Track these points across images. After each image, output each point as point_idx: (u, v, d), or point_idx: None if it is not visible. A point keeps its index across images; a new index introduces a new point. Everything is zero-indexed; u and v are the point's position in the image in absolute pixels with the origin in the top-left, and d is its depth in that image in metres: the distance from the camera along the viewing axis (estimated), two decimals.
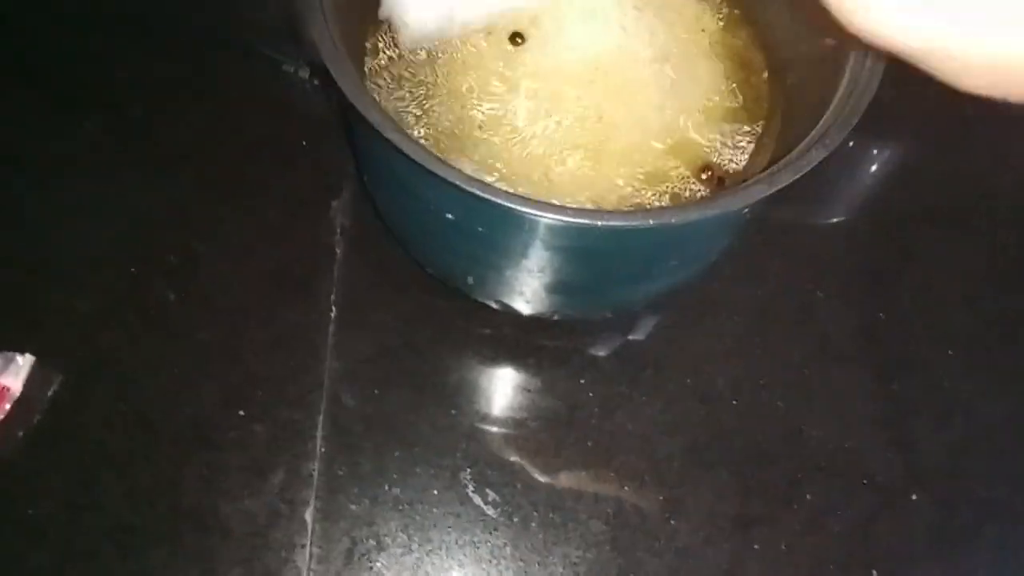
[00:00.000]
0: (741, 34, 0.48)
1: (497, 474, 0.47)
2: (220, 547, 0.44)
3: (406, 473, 0.47)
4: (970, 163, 0.61)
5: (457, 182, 0.33)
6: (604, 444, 0.49)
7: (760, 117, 0.47)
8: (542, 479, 0.47)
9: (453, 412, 0.49)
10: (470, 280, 0.45)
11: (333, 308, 0.51)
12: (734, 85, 0.47)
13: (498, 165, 0.44)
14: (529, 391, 0.50)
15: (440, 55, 0.46)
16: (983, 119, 0.60)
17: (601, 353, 0.51)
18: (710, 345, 0.52)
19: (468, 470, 0.47)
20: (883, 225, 0.58)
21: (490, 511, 0.46)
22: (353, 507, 0.46)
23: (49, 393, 0.47)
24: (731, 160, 0.45)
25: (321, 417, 0.48)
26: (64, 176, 0.54)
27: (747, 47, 0.48)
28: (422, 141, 0.44)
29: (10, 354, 0.46)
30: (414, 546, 0.45)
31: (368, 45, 0.47)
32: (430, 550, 0.45)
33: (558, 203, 0.35)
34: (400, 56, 0.47)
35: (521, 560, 0.45)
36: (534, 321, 0.50)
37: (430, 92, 0.46)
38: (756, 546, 0.47)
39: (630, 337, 0.52)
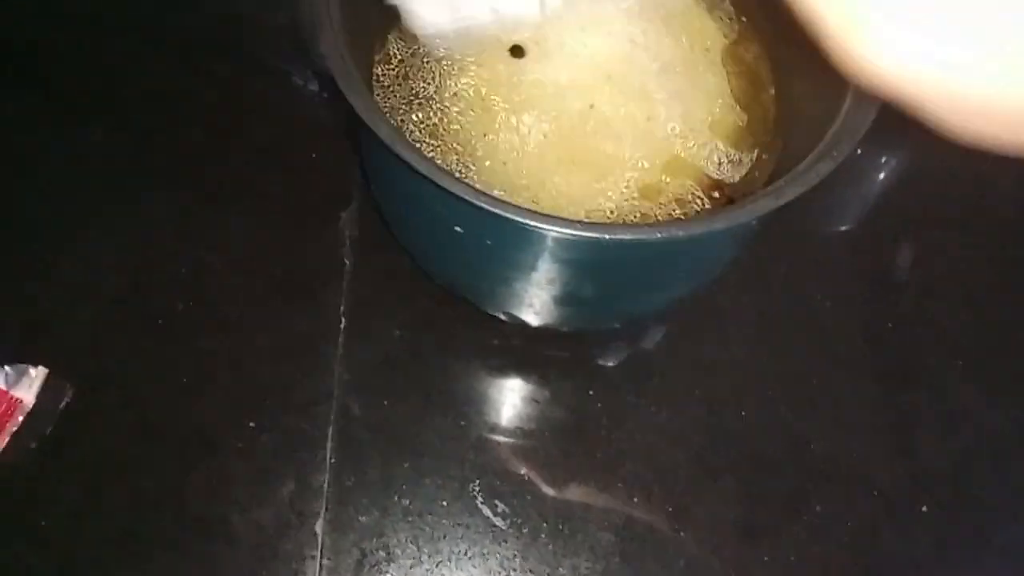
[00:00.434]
0: (749, 47, 0.49)
1: (506, 485, 0.47)
2: (228, 558, 0.45)
3: (415, 484, 0.47)
4: (977, 172, 0.61)
5: (466, 196, 0.33)
6: (612, 454, 0.49)
7: (765, 130, 0.47)
8: (551, 490, 0.47)
9: (462, 423, 0.49)
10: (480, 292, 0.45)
11: (342, 318, 0.51)
12: (740, 98, 0.47)
13: (498, 176, 0.44)
14: (537, 401, 0.50)
15: (444, 66, 0.46)
16: None
17: (609, 363, 0.51)
18: (717, 355, 0.53)
19: (477, 481, 0.47)
20: (890, 233, 0.58)
21: (499, 522, 0.46)
22: (362, 518, 0.46)
23: (61, 405, 0.47)
24: (735, 173, 0.46)
25: (330, 427, 0.48)
26: (73, 186, 0.55)
27: (754, 60, 0.48)
28: (428, 153, 0.44)
29: (23, 366, 0.47)
30: (423, 557, 0.45)
31: (377, 56, 0.47)
32: (439, 561, 0.45)
33: (566, 216, 0.35)
34: (407, 65, 0.47)
35: (530, 571, 0.45)
36: (542, 332, 0.50)
37: (433, 102, 0.46)
38: (764, 556, 0.47)
39: (638, 347, 0.52)
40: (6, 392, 0.46)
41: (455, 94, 0.46)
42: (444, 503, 0.47)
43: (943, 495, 0.49)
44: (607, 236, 0.34)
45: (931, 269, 0.57)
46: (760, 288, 0.55)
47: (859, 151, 0.37)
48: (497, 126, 0.45)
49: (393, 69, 0.47)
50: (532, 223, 0.33)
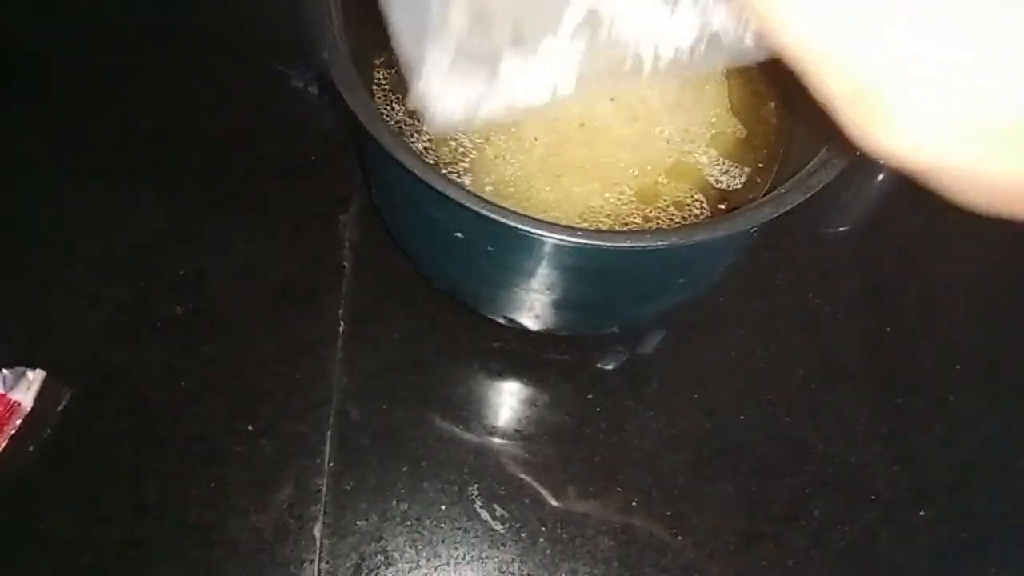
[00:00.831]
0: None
1: (505, 489, 0.47)
2: (227, 562, 0.45)
3: (414, 488, 0.47)
4: None
5: (468, 203, 0.33)
6: (611, 459, 0.49)
7: (766, 137, 0.47)
8: (549, 494, 0.47)
9: (460, 427, 0.49)
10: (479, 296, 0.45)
11: (341, 322, 0.51)
12: (740, 107, 0.47)
13: (497, 180, 0.44)
14: (536, 406, 0.50)
15: None
16: None
17: (608, 367, 0.51)
18: (716, 359, 0.53)
19: (476, 485, 0.47)
20: (889, 238, 0.58)
21: (498, 526, 0.46)
22: (361, 523, 0.46)
23: (59, 408, 0.47)
24: (736, 180, 0.46)
25: (329, 432, 0.48)
26: (73, 189, 0.54)
27: (756, 70, 0.48)
28: (424, 156, 0.44)
29: (21, 369, 0.47)
30: (422, 561, 0.45)
31: (378, 61, 0.47)
32: (438, 565, 0.45)
33: (567, 224, 0.35)
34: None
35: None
36: (542, 336, 0.50)
37: None
38: (763, 562, 0.47)
39: (637, 352, 0.52)
40: (4, 395, 0.46)
41: None
42: (443, 507, 0.47)
43: (942, 502, 0.50)
44: (608, 244, 0.34)
45: (931, 274, 0.57)
46: (760, 293, 0.55)
47: (858, 152, 0.37)
48: (497, 131, 0.45)
49: (394, 73, 0.47)
50: (533, 230, 0.33)
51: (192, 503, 0.46)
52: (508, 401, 0.50)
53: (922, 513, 0.49)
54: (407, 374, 0.50)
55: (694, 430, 0.50)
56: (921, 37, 0.20)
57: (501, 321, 0.48)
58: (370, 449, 0.48)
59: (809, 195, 0.35)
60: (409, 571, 0.45)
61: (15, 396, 0.46)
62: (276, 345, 0.50)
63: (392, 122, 0.45)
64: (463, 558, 0.46)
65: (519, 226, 0.33)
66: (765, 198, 0.35)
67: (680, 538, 0.47)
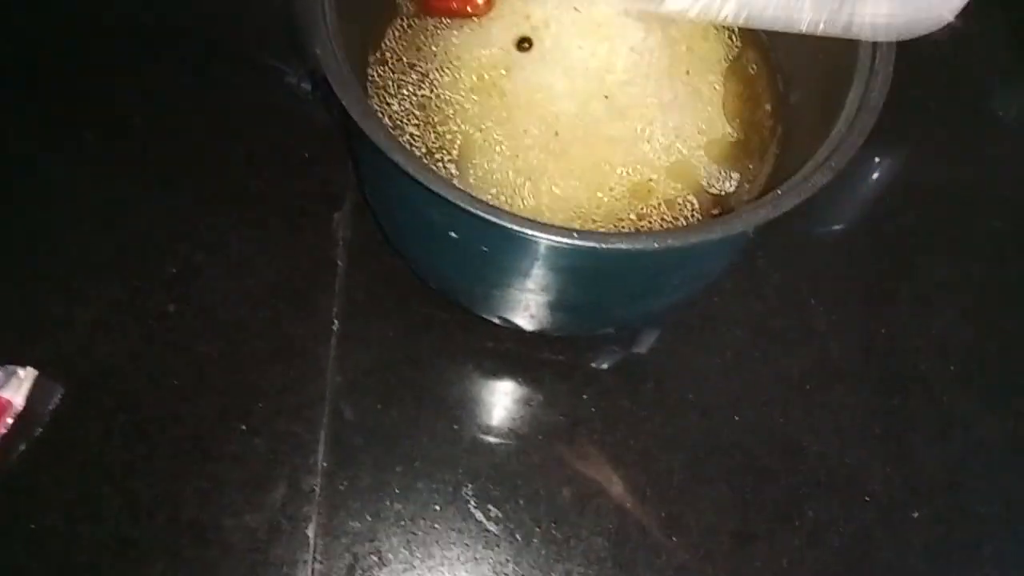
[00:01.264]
0: (748, 54, 0.48)
1: (499, 489, 0.47)
2: (220, 562, 0.44)
3: (408, 488, 0.47)
4: (970, 175, 0.61)
5: (463, 203, 0.33)
6: (606, 459, 0.49)
7: (761, 139, 0.47)
8: (544, 494, 0.47)
9: (455, 426, 0.49)
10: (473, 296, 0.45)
11: (335, 321, 0.51)
12: (736, 108, 0.47)
13: (491, 177, 0.44)
14: (531, 405, 0.50)
15: (439, 69, 0.46)
16: (984, 130, 0.60)
17: (603, 367, 0.51)
18: (711, 360, 0.52)
19: (470, 485, 0.47)
20: (883, 238, 0.58)
21: (492, 527, 0.46)
22: (355, 523, 0.46)
23: (50, 406, 0.47)
24: (729, 180, 0.45)
25: (323, 431, 0.48)
26: (65, 187, 0.54)
27: (753, 67, 0.48)
28: (418, 155, 0.44)
29: (11, 367, 0.46)
30: (416, 562, 0.45)
31: (372, 57, 0.47)
32: (432, 566, 0.45)
33: (561, 224, 0.35)
34: (402, 65, 0.46)
35: None
36: (536, 335, 0.50)
37: (429, 103, 0.45)
38: (757, 562, 0.47)
39: (632, 351, 0.52)
40: None
41: (450, 96, 0.45)
42: (437, 507, 0.47)
43: (936, 502, 0.50)
44: (603, 245, 0.33)
45: (925, 275, 0.57)
46: (754, 293, 0.55)
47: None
48: (492, 128, 0.44)
49: (388, 70, 0.46)
50: (528, 231, 0.33)
51: (185, 502, 0.46)
52: (502, 401, 0.50)
53: (916, 513, 0.49)
54: (401, 373, 0.50)
55: (689, 430, 0.50)
56: None
57: (496, 321, 0.48)
58: (364, 448, 0.48)
59: (806, 197, 0.35)
60: (403, 571, 0.45)
61: (6, 395, 0.46)
62: (269, 343, 0.50)
63: (385, 119, 0.45)
64: (457, 558, 0.46)
65: (514, 227, 0.33)
66: (761, 200, 0.35)
67: (674, 538, 0.47)
